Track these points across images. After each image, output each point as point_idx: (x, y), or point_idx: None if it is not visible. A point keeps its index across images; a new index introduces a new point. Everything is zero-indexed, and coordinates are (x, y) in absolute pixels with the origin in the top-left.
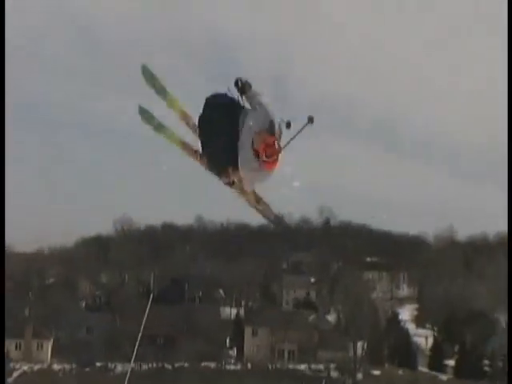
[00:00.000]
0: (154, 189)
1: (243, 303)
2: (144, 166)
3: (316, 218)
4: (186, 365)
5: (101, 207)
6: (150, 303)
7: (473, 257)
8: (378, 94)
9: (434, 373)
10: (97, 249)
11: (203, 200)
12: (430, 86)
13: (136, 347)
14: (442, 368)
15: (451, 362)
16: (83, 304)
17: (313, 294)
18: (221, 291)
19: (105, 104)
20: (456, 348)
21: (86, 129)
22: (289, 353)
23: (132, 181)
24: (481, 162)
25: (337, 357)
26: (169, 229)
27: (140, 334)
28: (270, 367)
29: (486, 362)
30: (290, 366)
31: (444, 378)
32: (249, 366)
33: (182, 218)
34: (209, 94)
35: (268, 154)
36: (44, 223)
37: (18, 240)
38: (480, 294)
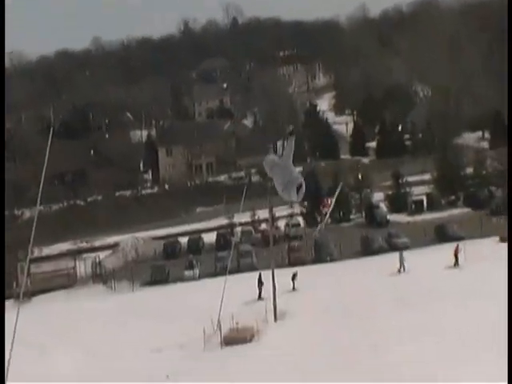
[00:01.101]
0: (42, 16)
1: (154, 123)
2: None
3: (223, 19)
4: (100, 198)
5: None
6: (50, 138)
7: (388, 33)
8: None
9: (356, 158)
10: None
11: (99, 21)
12: None
13: (40, 188)
14: (364, 152)
15: (373, 145)
16: None
17: (227, 101)
18: (128, 114)
19: None
20: (376, 129)
21: None
22: (207, 166)
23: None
24: None
25: (257, 161)
26: (64, 56)
27: (43, 174)
28: (188, 184)
29: (407, 136)
30: (210, 180)
31: (366, 160)
32: (166, 187)
33: (78, 42)
34: None
35: None
36: None
37: None
38: (397, 69)
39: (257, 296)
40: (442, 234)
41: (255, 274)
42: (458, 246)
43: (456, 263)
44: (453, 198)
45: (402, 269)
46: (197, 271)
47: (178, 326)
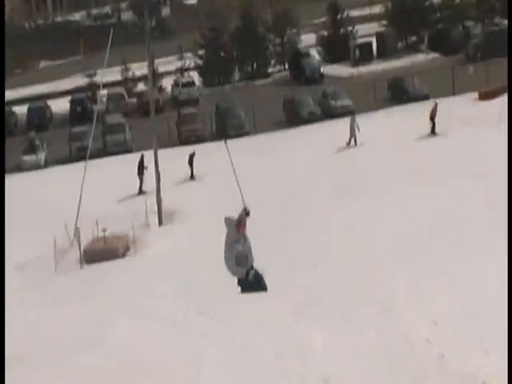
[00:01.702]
0: None
1: None
2: None
3: None
4: None
5: None
6: None
7: None
8: None
9: None
10: None
11: None
12: None
13: None
14: None
15: None
16: None
17: None
18: None
19: None
20: None
21: None
22: None
23: None
24: None
25: None
26: None
27: None
28: (26, 26)
29: None
30: (59, 19)
31: None
32: None
33: None
34: None
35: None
36: None
37: None
38: None
39: (135, 190)
40: (399, 92)
41: (131, 157)
42: (436, 105)
43: (433, 130)
44: (414, 39)
45: (352, 142)
46: (42, 155)
47: (16, 237)
